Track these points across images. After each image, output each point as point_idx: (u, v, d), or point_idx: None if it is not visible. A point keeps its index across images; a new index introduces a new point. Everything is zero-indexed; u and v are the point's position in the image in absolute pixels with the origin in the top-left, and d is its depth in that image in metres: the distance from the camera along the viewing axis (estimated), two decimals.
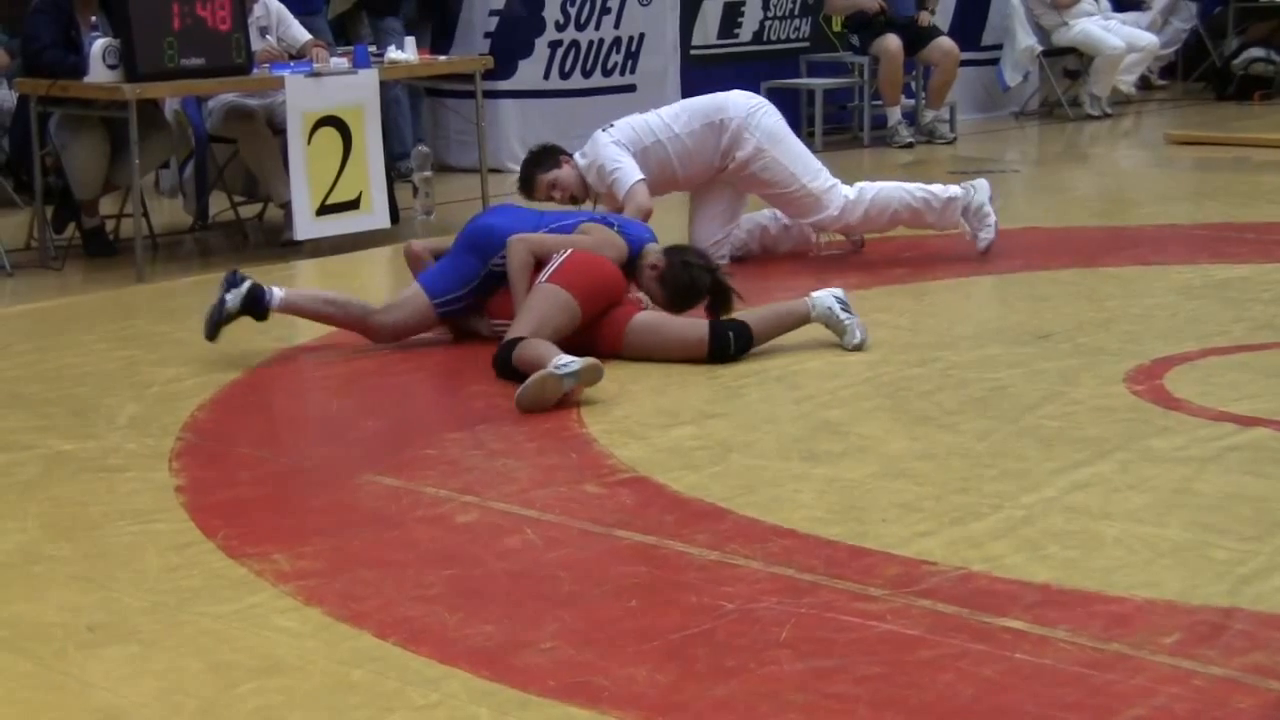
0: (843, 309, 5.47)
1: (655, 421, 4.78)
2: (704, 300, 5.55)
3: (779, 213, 7.24)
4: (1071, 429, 4.56)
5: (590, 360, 4.88)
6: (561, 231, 5.68)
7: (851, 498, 4.06)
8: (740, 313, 5.50)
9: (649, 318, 5.45)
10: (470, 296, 5.70)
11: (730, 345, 5.35)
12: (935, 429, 4.62)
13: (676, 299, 5.56)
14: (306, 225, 7.67)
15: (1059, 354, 5.41)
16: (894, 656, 3.11)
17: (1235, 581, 3.43)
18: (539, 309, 5.24)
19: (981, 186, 6.88)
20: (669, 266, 5.56)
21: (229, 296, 5.55)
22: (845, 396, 4.98)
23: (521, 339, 5.11)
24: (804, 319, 5.50)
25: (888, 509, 3.95)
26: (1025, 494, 4.02)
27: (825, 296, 5.50)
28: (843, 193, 6.87)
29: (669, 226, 6.72)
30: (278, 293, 5.62)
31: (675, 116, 6.92)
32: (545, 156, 6.85)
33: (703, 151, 6.86)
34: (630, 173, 6.68)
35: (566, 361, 4.83)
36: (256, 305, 5.57)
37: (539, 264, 5.44)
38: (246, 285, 5.57)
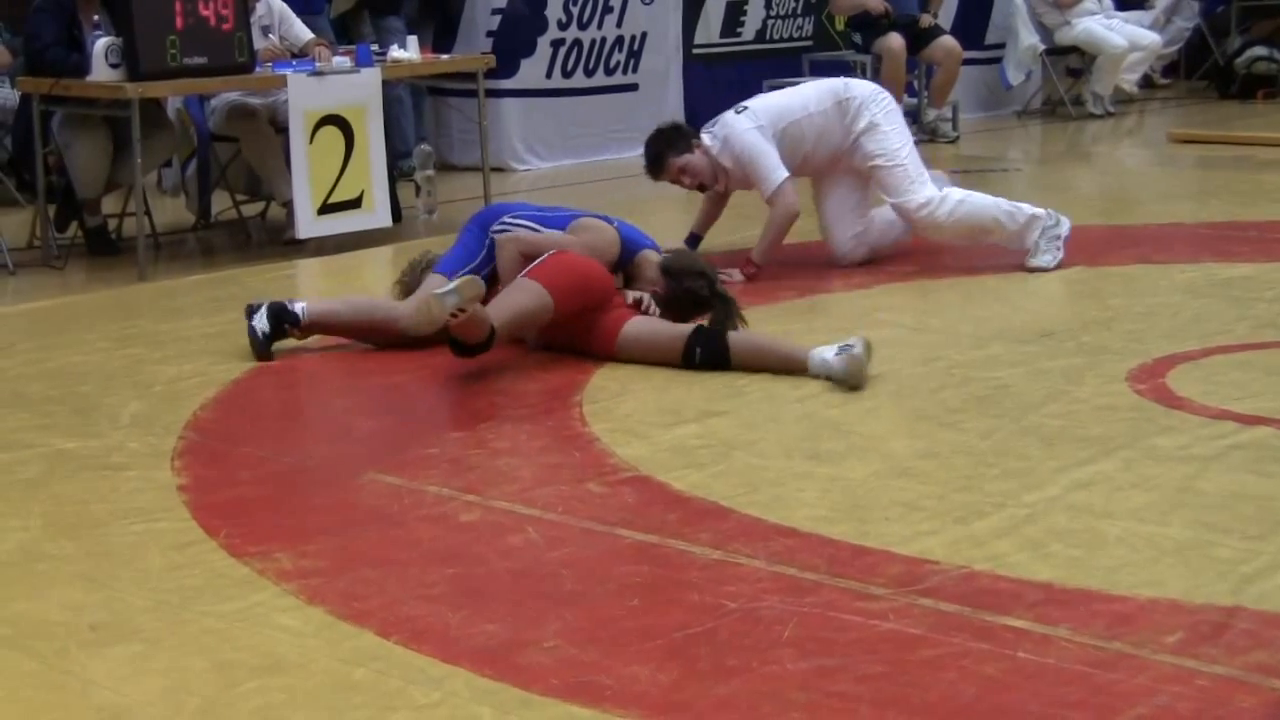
0: (837, 353, 5.05)
1: (658, 420, 4.78)
2: (708, 310, 5.52)
3: None
4: (1074, 427, 4.55)
5: (466, 278, 5.09)
6: (559, 223, 5.73)
7: (854, 496, 4.06)
8: (738, 331, 5.39)
9: (638, 327, 5.43)
10: (480, 269, 5.68)
11: (695, 357, 5.28)
12: (938, 427, 4.62)
13: (681, 314, 5.54)
14: (308, 224, 7.67)
15: (1062, 352, 5.41)
16: (896, 655, 3.11)
17: (1238, 580, 3.42)
18: (510, 299, 5.30)
19: (1064, 222, 6.75)
20: (668, 291, 5.57)
21: (255, 320, 5.63)
22: (848, 395, 4.97)
23: None
24: (800, 369, 5.15)
25: (890, 508, 3.95)
26: (1028, 492, 4.02)
27: (818, 356, 5.11)
28: (932, 190, 6.76)
29: (675, 230, 6.72)
30: (299, 305, 5.69)
31: (806, 95, 6.87)
32: (677, 138, 6.73)
33: (833, 130, 6.78)
34: (776, 170, 6.61)
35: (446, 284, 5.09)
36: (286, 318, 5.64)
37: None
38: (267, 304, 5.66)
